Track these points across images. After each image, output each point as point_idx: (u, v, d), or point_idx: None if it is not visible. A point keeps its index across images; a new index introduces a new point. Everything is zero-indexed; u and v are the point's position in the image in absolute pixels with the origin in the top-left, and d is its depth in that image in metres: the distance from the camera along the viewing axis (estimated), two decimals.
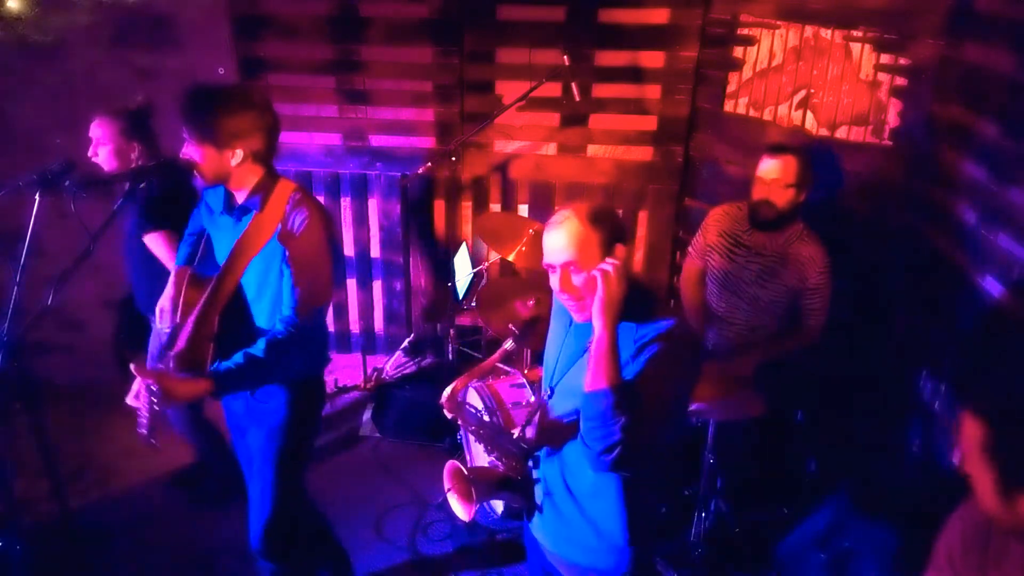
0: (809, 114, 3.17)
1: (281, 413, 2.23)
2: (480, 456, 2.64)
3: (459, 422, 1.93)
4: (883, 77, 2.88)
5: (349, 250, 4.23)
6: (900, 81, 2.84)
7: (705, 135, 3.75)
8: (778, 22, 3.25)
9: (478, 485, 1.88)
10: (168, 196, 2.71)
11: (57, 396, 3.64)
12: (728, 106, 3.56)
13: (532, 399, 2.84)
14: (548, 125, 3.88)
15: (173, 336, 2.14)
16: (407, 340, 4.25)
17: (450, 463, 1.96)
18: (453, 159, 3.80)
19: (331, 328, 4.36)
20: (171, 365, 2.04)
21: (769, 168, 2.67)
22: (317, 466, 3.36)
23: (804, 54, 3.15)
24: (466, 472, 1.90)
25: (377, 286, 4.32)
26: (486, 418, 2.76)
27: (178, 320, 2.19)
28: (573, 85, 3.47)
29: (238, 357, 2.01)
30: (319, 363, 2.34)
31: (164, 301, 2.31)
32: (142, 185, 2.33)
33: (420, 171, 3.72)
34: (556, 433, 1.79)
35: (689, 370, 1.69)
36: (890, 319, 2.91)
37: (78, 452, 3.55)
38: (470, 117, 3.86)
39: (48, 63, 3.64)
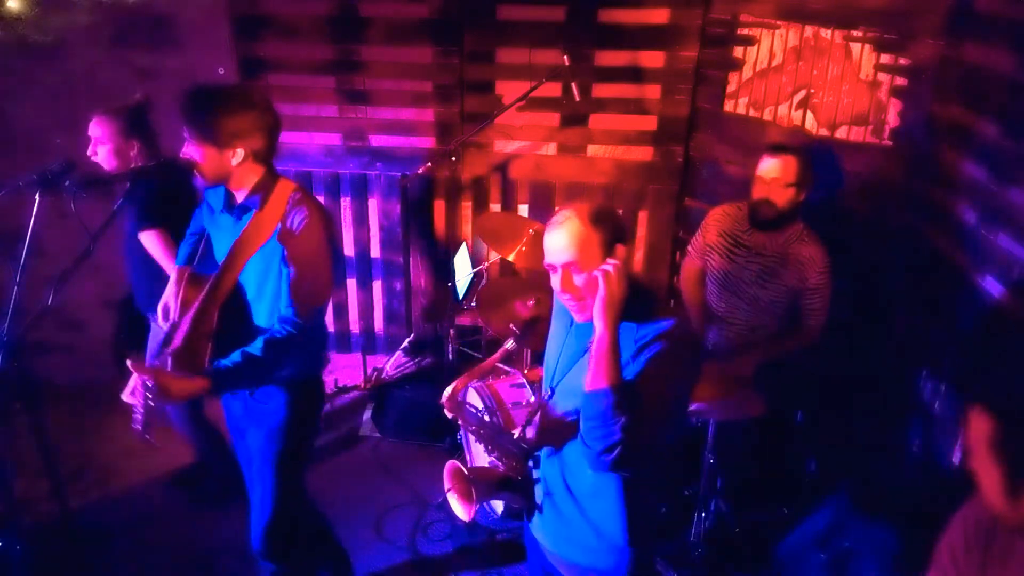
0: (809, 114, 3.17)
1: (280, 414, 2.23)
2: (480, 456, 2.64)
3: (459, 422, 1.93)
4: (883, 77, 2.88)
5: (349, 250, 4.23)
6: (900, 81, 2.84)
7: (705, 135, 3.75)
8: (778, 22, 3.25)
9: (478, 485, 1.88)
10: (167, 196, 2.71)
11: (57, 396, 3.64)
12: (728, 106, 3.56)
13: (532, 399, 2.84)
14: (548, 125, 3.88)
15: (171, 334, 2.15)
16: (407, 340, 4.25)
17: (450, 463, 1.96)
18: (453, 159, 3.79)
19: (331, 328, 4.36)
20: (168, 362, 2.04)
21: (769, 167, 2.67)
22: (317, 466, 3.36)
23: (804, 54, 3.15)
24: (466, 472, 1.90)
25: (377, 286, 4.32)
26: (486, 418, 2.76)
27: (176, 318, 2.20)
28: (573, 85, 3.47)
29: (235, 356, 2.01)
30: (318, 364, 2.34)
31: (167, 299, 2.31)
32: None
33: (420, 171, 3.72)
34: (556, 433, 1.79)
35: (689, 370, 1.69)
36: (890, 319, 2.91)
37: (78, 452, 3.55)
38: (470, 117, 3.86)
39: (48, 63, 3.64)
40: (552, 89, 3.63)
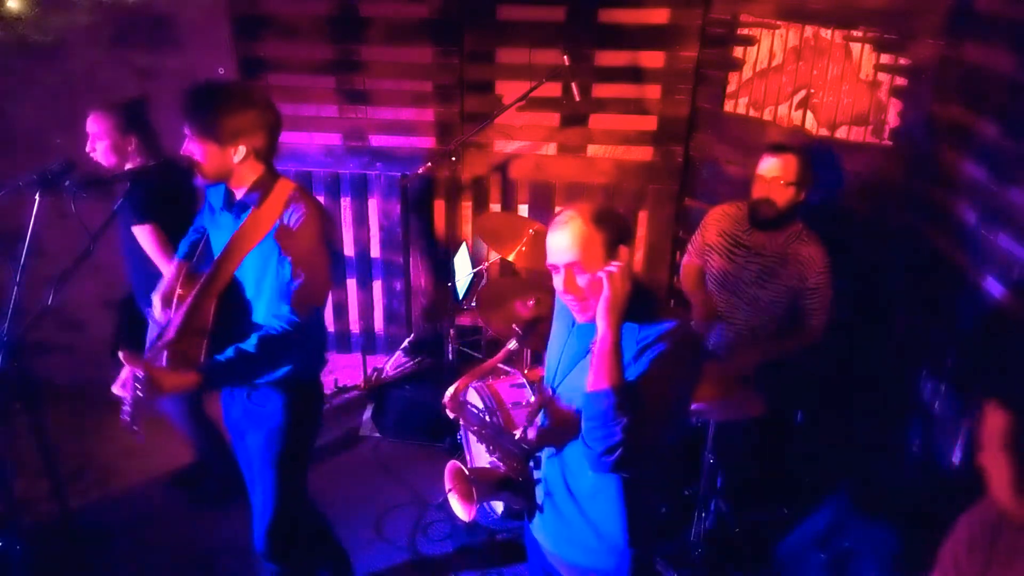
0: (809, 114, 3.17)
1: (278, 416, 2.22)
2: (480, 456, 2.64)
3: (461, 422, 1.93)
4: (883, 77, 2.88)
5: (349, 250, 4.23)
6: (900, 81, 2.84)
7: (705, 135, 3.75)
8: (778, 22, 3.25)
9: (479, 485, 1.88)
10: (166, 194, 2.71)
11: (57, 396, 3.64)
12: (728, 106, 3.56)
13: (532, 399, 2.83)
14: (548, 125, 3.88)
15: (165, 328, 2.14)
16: (407, 340, 4.25)
17: (451, 463, 1.96)
18: (453, 159, 3.79)
19: (331, 328, 4.36)
20: (163, 356, 2.03)
21: (770, 166, 2.67)
22: (317, 466, 3.35)
23: (804, 54, 3.15)
24: (467, 472, 1.90)
25: (377, 286, 4.32)
26: (487, 418, 2.76)
27: (171, 315, 2.19)
28: (573, 85, 3.47)
29: (229, 351, 2.00)
30: (316, 365, 2.34)
31: (161, 289, 2.30)
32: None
33: (420, 171, 3.71)
34: (558, 434, 1.79)
35: (691, 371, 1.69)
36: (890, 319, 2.91)
37: (78, 452, 3.55)
38: (470, 117, 3.86)
39: (48, 63, 3.64)
40: (552, 89, 3.63)
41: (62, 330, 3.93)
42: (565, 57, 3.44)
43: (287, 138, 3.25)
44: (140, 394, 1.86)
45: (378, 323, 4.40)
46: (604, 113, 3.81)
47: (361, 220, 4.16)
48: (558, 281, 1.66)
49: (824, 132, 3.10)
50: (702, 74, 3.67)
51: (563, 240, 1.61)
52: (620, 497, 1.71)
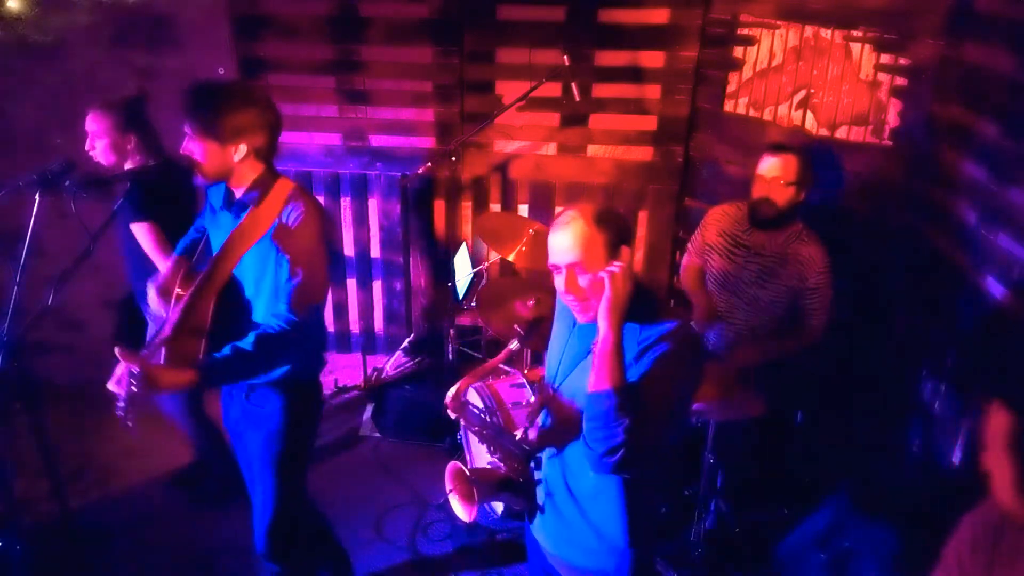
0: (809, 114, 3.17)
1: (277, 417, 2.22)
2: (481, 456, 2.64)
3: (462, 423, 1.93)
4: (883, 77, 2.88)
5: (349, 250, 4.23)
6: (900, 81, 2.84)
7: (705, 135, 3.75)
8: (778, 22, 3.25)
9: (480, 486, 1.88)
10: (165, 193, 2.71)
11: (57, 396, 3.63)
12: (728, 106, 3.56)
13: (532, 399, 2.83)
14: (548, 125, 3.88)
15: (162, 325, 2.14)
16: (407, 340, 4.25)
17: (452, 464, 1.96)
18: (453, 159, 3.79)
19: (331, 328, 4.36)
20: (161, 353, 2.03)
21: (770, 166, 2.67)
22: (317, 466, 3.35)
23: (804, 54, 3.16)
24: (468, 473, 1.90)
25: (377, 286, 4.32)
26: (487, 419, 2.76)
27: (168, 311, 2.19)
28: (573, 85, 3.47)
29: (226, 350, 1.99)
30: (315, 365, 2.33)
31: (157, 281, 2.29)
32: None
33: (420, 171, 3.71)
34: (558, 435, 1.78)
35: (692, 372, 1.69)
36: (890, 319, 2.91)
37: (78, 452, 3.55)
38: (470, 117, 3.86)
39: (48, 63, 3.64)
40: (552, 89, 3.63)
41: (62, 330, 3.93)
42: (565, 57, 3.44)
43: (287, 138, 3.25)
44: (135, 390, 1.85)
45: (378, 323, 4.40)
46: (604, 113, 3.81)
47: (361, 220, 4.16)
48: (559, 281, 1.65)
49: (824, 132, 3.11)
50: (702, 74, 3.67)
51: (565, 240, 1.61)
52: (621, 498, 1.71)
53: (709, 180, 3.76)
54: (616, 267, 1.59)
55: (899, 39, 2.81)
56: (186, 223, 2.49)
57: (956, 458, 2.47)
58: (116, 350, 1.83)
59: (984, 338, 2.39)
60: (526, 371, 3.15)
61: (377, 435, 3.78)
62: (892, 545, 2.44)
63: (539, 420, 1.89)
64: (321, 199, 3.98)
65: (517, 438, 1.90)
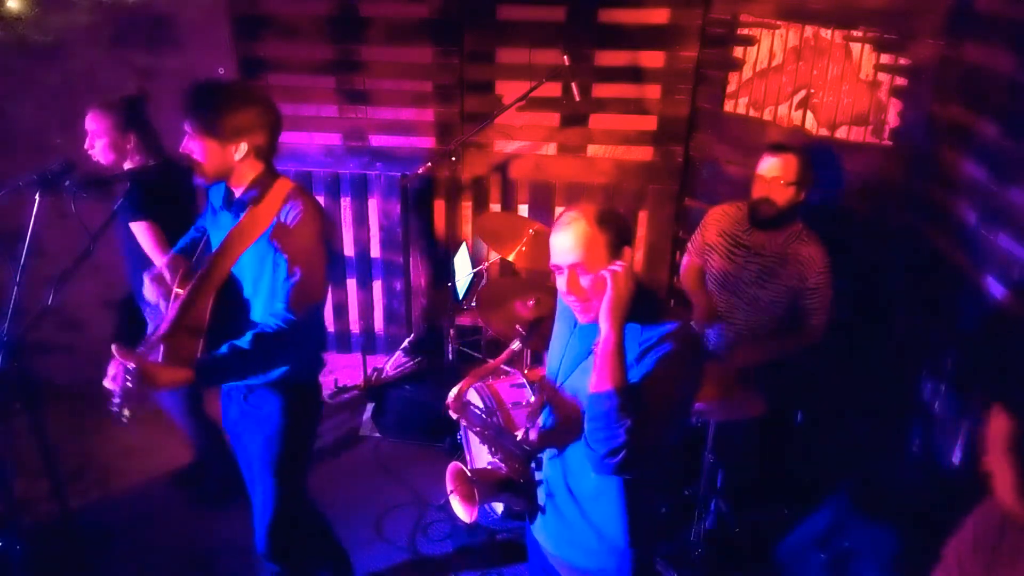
0: (809, 114, 3.17)
1: (275, 418, 2.22)
2: (481, 456, 2.64)
3: (463, 423, 1.93)
4: (883, 77, 2.88)
5: (349, 250, 4.23)
6: (900, 81, 2.84)
7: (705, 135, 3.75)
8: (778, 22, 3.25)
9: (481, 487, 1.88)
10: (165, 192, 2.71)
11: (57, 396, 3.63)
12: (728, 106, 3.56)
13: (532, 399, 2.84)
14: (548, 125, 3.88)
15: (159, 323, 2.14)
16: (407, 340, 4.25)
17: (453, 464, 1.96)
18: (453, 159, 3.79)
19: (331, 328, 4.36)
20: (159, 352, 2.03)
21: (770, 166, 2.67)
22: (317, 466, 3.36)
23: (804, 54, 3.16)
24: (469, 474, 1.90)
25: (377, 286, 4.32)
26: (488, 419, 2.76)
27: (166, 309, 2.18)
28: (573, 85, 3.46)
29: (223, 348, 1.99)
30: (314, 366, 2.33)
31: (153, 272, 2.28)
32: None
33: (420, 171, 3.71)
34: (559, 435, 1.78)
35: (693, 372, 1.69)
36: (890, 319, 2.91)
37: (78, 452, 3.55)
38: (470, 117, 3.86)
39: (48, 63, 3.64)
40: (552, 89, 3.63)
41: (62, 330, 3.93)
42: (565, 57, 3.44)
43: (287, 138, 3.25)
44: (130, 386, 1.85)
45: (378, 323, 4.40)
46: (604, 113, 3.81)
47: (361, 220, 4.16)
48: (561, 282, 1.65)
49: (824, 132, 3.11)
50: (702, 74, 3.67)
51: (567, 241, 1.61)
52: (621, 498, 1.71)
53: (709, 180, 3.76)
54: (618, 267, 1.59)
55: (899, 39, 2.81)
56: (186, 223, 2.49)
57: (956, 458, 2.47)
58: (113, 347, 1.83)
59: (984, 338, 2.39)
60: (526, 371, 3.15)
61: (377, 435, 3.78)
62: (892, 545, 2.44)
63: (540, 420, 1.89)
64: (321, 199, 3.98)
65: (518, 439, 1.90)
